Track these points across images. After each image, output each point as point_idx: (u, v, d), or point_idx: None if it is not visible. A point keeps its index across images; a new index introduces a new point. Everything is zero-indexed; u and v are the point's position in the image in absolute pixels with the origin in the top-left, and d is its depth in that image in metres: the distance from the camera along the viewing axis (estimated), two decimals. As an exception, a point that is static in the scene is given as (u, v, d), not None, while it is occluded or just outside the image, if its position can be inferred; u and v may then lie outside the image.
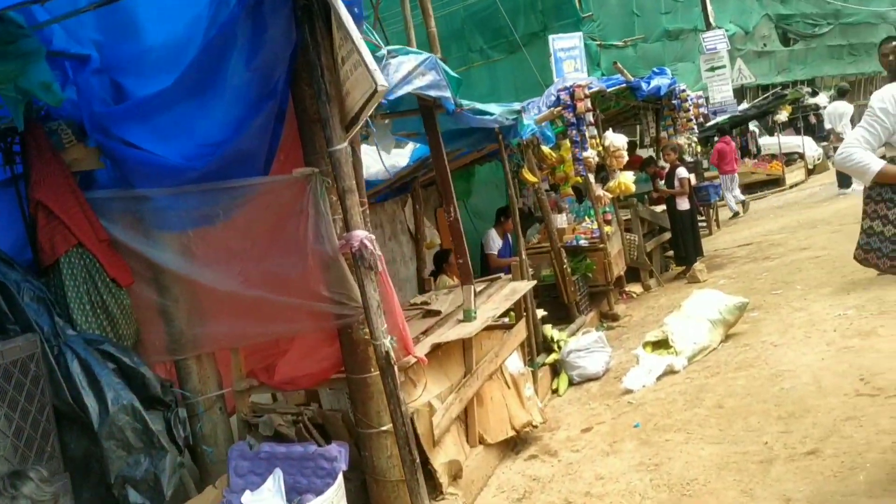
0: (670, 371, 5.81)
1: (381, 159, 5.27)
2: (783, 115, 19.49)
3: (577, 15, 17.70)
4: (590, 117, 8.07)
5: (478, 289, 5.51)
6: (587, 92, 7.96)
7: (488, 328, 5.33)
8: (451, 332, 4.22)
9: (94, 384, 3.15)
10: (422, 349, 3.96)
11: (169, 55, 3.51)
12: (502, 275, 5.97)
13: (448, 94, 3.82)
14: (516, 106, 5.50)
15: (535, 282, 5.64)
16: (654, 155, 12.73)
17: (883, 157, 2.93)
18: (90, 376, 3.15)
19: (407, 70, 3.50)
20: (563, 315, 7.86)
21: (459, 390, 4.21)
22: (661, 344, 6.12)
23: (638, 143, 14.53)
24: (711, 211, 13.37)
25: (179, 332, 3.75)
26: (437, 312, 4.83)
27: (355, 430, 3.59)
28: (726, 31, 20.29)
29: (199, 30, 3.28)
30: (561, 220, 8.86)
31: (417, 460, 3.23)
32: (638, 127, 15.40)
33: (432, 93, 3.67)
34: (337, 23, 2.97)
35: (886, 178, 2.88)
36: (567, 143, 8.22)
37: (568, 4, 18.03)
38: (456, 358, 4.40)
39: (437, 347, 4.09)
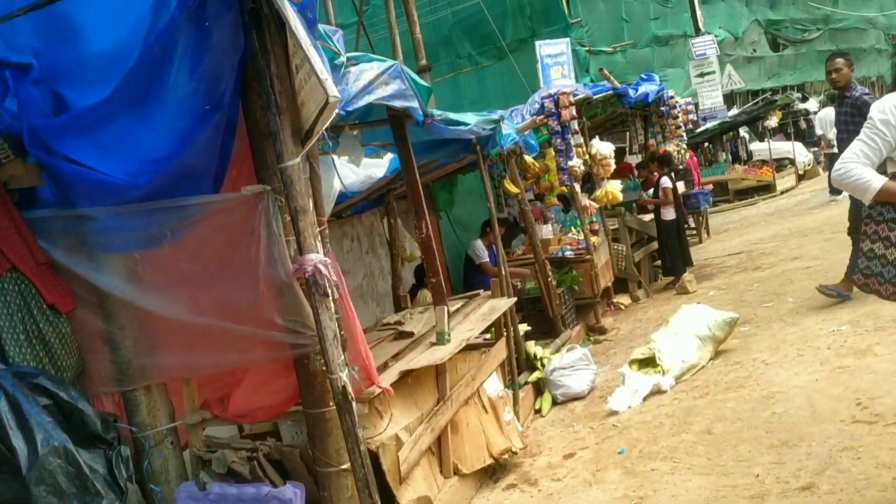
0: (657, 391, 5.56)
1: (336, 174, 5.02)
2: (773, 121, 19.36)
3: (565, 21, 17.53)
4: (575, 125, 7.84)
5: (454, 307, 5.26)
6: (572, 99, 7.72)
7: (466, 348, 5.09)
8: (421, 358, 3.96)
9: (23, 424, 2.86)
10: (389, 377, 3.70)
11: (113, 64, 3.23)
12: (481, 291, 5.71)
13: (415, 103, 3.57)
14: (494, 115, 5.25)
15: (514, 299, 5.39)
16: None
17: (884, 174, 2.68)
18: (18, 415, 2.87)
19: (368, 79, 3.25)
20: (548, 329, 7.61)
21: (431, 419, 3.94)
22: (648, 362, 5.87)
23: (627, 150, 14.33)
24: (701, 219, 13.16)
25: (126, 362, 3.47)
26: (410, 334, 4.57)
27: (314, 467, 3.32)
28: (716, 36, 20.15)
29: (142, 36, 3.02)
30: (546, 231, 8.63)
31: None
32: (627, 134, 15.23)
33: (397, 103, 3.42)
34: (288, 29, 2.71)
35: (888, 196, 2.63)
36: (552, 151, 7.99)
37: (556, 10, 17.86)
38: (428, 384, 4.14)
39: (406, 374, 3.83)
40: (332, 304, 3.09)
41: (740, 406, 4.78)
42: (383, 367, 3.91)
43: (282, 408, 3.42)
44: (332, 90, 2.58)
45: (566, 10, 17.65)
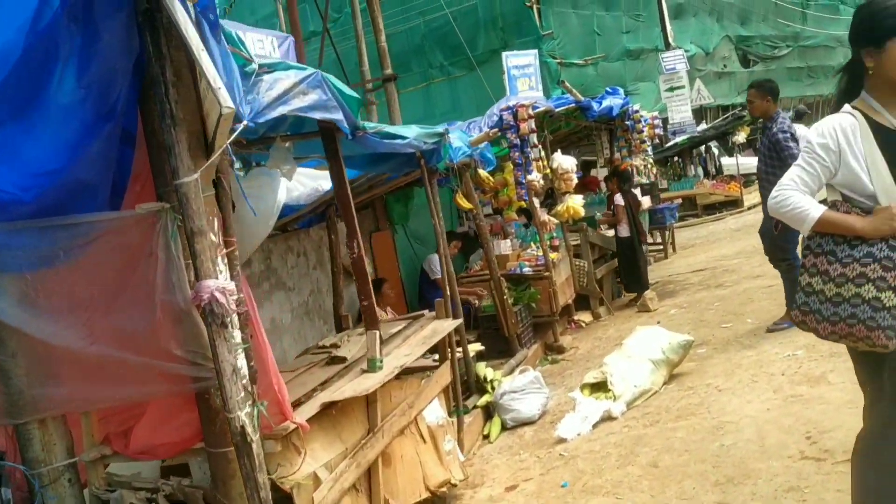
0: (608, 417, 5.34)
1: (281, 185, 4.76)
2: (741, 137, 19.36)
3: (537, 32, 17.46)
4: (534, 139, 7.63)
5: (395, 328, 5.01)
6: (531, 112, 7.52)
7: (405, 373, 4.84)
8: (347, 388, 3.70)
9: None
10: (309, 410, 3.44)
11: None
12: (426, 312, 5.46)
13: (339, 115, 3.32)
14: (438, 129, 5.02)
15: (459, 321, 5.14)
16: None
17: (823, 202, 2.48)
18: None
19: (284, 88, 3.00)
20: (503, 348, 7.39)
21: (358, 453, 3.68)
22: (600, 386, 5.66)
23: (596, 163, 14.20)
24: (667, 234, 13.04)
25: (18, 393, 3.16)
26: (343, 359, 4.30)
27: (220, 509, 3.05)
28: (686, 51, 20.18)
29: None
30: (505, 246, 8.42)
31: (282, 554, 2.70)
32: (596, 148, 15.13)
33: (316, 114, 3.17)
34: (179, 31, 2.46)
35: (827, 226, 2.42)
36: (510, 165, 7.78)
37: (528, 22, 17.78)
38: (356, 415, 3.87)
39: (329, 406, 3.57)
40: (237, 335, 2.83)
41: (690, 436, 4.57)
42: (306, 398, 3.65)
43: (186, 445, 3.14)
44: (225, 100, 2.33)
45: (538, 22, 17.59)
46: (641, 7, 20.39)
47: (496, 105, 7.82)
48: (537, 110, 7.89)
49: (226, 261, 2.91)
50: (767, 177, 5.94)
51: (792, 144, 5.73)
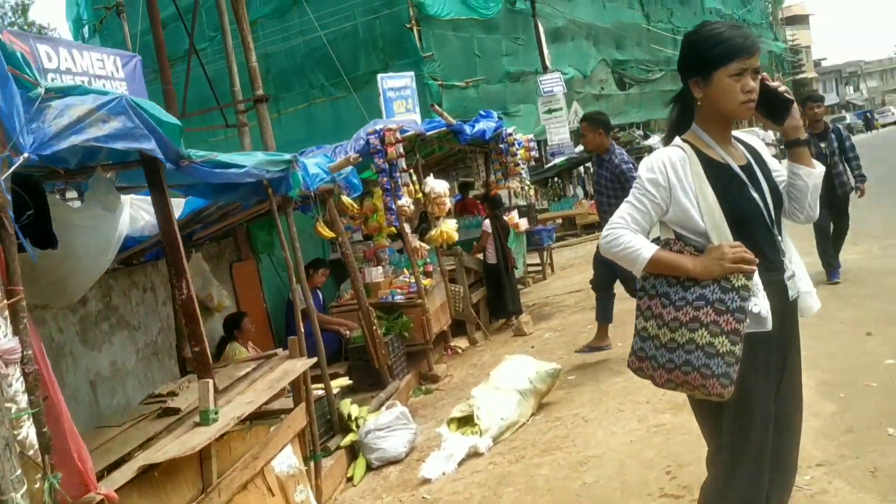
0: (474, 453, 5.14)
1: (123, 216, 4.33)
2: (618, 158, 19.87)
3: (417, 54, 17.44)
4: (402, 163, 7.43)
5: (242, 371, 4.63)
6: (399, 136, 7.31)
7: (255, 418, 4.49)
8: (171, 447, 3.32)
9: None
10: (122, 476, 3.04)
11: None
12: (279, 351, 5.11)
13: (151, 144, 2.96)
14: (285, 156, 4.71)
15: (312, 360, 4.82)
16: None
17: (656, 241, 2.35)
18: None
19: (76, 115, 2.63)
20: (374, 381, 7.09)
21: (185, 518, 3.30)
22: (467, 420, 5.46)
23: (474, 185, 14.18)
24: (545, 255, 13.12)
25: None
26: (177, 410, 3.90)
27: None
28: (564, 74, 20.64)
29: None
30: (376, 274, 8.15)
31: None
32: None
33: (119, 144, 2.80)
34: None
35: (660, 267, 2.28)
36: (379, 190, 7.54)
37: (408, 43, 17.73)
38: (187, 474, 3.49)
39: (151, 468, 3.18)
40: (21, 399, 2.45)
41: (553, 473, 4.41)
42: (124, 461, 3.24)
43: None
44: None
45: (418, 44, 17.55)
46: (521, 31, 20.76)
47: (363, 128, 7.56)
48: (406, 134, 7.69)
49: (6, 314, 2.52)
50: (611, 209, 5.90)
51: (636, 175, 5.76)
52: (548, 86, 18.09)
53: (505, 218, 10.02)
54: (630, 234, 2.31)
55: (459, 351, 8.80)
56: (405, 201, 7.55)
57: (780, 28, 51.65)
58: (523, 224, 11.39)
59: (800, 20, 63.92)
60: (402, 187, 7.47)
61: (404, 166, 7.47)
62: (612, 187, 6.05)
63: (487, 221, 9.54)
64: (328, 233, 6.21)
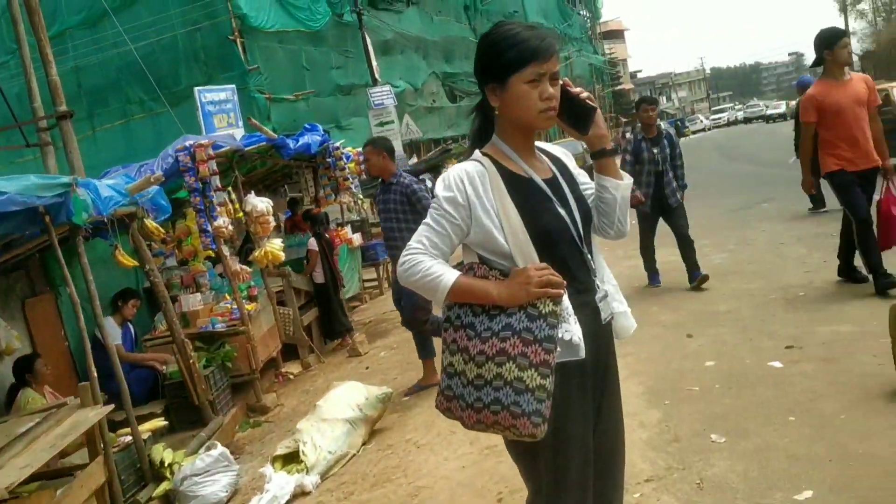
0: (301, 492, 4.76)
1: None
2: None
3: (242, 67, 16.78)
4: (217, 181, 6.92)
5: (24, 427, 4.01)
6: (210, 153, 6.80)
7: (41, 478, 3.90)
8: None
9: None
10: None
11: None
12: (69, 400, 4.50)
13: None
14: (63, 178, 4.15)
15: (110, 407, 4.28)
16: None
17: (459, 266, 2.11)
18: None
19: None
20: (195, 419, 6.52)
21: None
22: (293, 457, 5.07)
23: (303, 200, 13.71)
24: (381, 270, 12.88)
25: None
26: (-73, 485, 3.27)
27: None
28: (395, 87, 20.59)
29: None
30: (194, 301, 7.56)
31: None
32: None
33: None
34: None
35: (462, 295, 2.04)
36: (192, 212, 6.99)
37: (232, 56, 17.03)
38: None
39: None
40: None
41: (383, 509, 4.14)
42: None
43: None
44: None
45: (243, 57, 16.89)
46: (350, 43, 20.49)
47: (172, 145, 6.99)
48: (221, 150, 7.19)
49: None
50: (402, 234, 5.76)
51: (428, 195, 5.56)
52: (378, 98, 17.93)
53: (328, 235, 9.66)
54: (429, 260, 2.05)
55: (291, 377, 8.34)
56: (222, 222, 7.04)
57: (599, 42, 54.69)
58: (357, 239, 11.05)
59: (616, 35, 68.06)
60: (217, 207, 6.97)
61: (219, 184, 6.97)
62: (404, 210, 5.80)
63: (313, 240, 9.17)
64: (129, 261, 5.62)
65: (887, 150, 6.08)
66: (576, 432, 2.07)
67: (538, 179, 2.14)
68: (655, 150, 7.53)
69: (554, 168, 2.23)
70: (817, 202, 10.54)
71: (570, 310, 2.01)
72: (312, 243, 8.99)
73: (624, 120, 58.53)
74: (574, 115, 2.13)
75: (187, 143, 6.82)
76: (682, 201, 7.71)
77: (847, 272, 6.37)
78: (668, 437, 4.00)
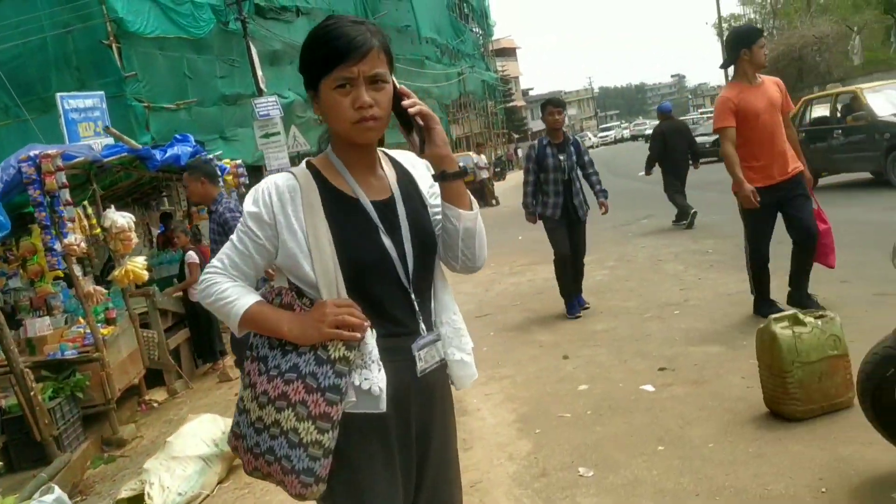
0: (145, 540, 4.32)
1: None
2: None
3: (118, 73, 15.95)
4: (66, 195, 6.33)
5: None
6: (60, 164, 6.22)
7: None
8: None
9: None
10: None
11: None
12: None
13: None
14: None
15: None
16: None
17: (271, 289, 1.81)
18: None
19: None
20: (38, 457, 5.91)
21: None
22: (139, 499, 4.60)
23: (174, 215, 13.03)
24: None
25: None
26: None
27: None
28: (284, 98, 20.05)
29: None
30: (41, 326, 6.90)
31: None
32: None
33: None
34: None
35: (256, 325, 1.78)
36: (38, 228, 6.38)
37: (107, 62, 16.14)
38: None
39: None
40: None
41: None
42: None
43: None
44: None
45: (119, 63, 16.03)
46: (235, 52, 19.84)
47: (14, 155, 6.36)
48: (73, 161, 6.61)
49: None
50: None
51: None
52: (263, 109, 17.36)
53: (201, 250, 9.10)
54: (226, 282, 1.79)
55: (156, 405, 7.76)
56: (73, 239, 6.45)
57: (491, 59, 55.51)
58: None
59: (508, 52, 69.34)
60: (68, 223, 6.38)
61: (68, 198, 6.38)
62: (221, 240, 5.41)
63: (192, 252, 8.56)
64: (-48, 284, 5.01)
65: (804, 159, 5.67)
66: (378, 491, 1.77)
67: (366, 202, 1.82)
68: (562, 157, 6.90)
69: (396, 187, 1.90)
70: (679, 216, 10.89)
71: (375, 355, 1.74)
72: (192, 256, 8.38)
73: (516, 136, 59.59)
74: (411, 130, 1.85)
75: (32, 154, 6.22)
76: (604, 210, 7.07)
77: (799, 300, 5.48)
78: (536, 471, 3.81)
